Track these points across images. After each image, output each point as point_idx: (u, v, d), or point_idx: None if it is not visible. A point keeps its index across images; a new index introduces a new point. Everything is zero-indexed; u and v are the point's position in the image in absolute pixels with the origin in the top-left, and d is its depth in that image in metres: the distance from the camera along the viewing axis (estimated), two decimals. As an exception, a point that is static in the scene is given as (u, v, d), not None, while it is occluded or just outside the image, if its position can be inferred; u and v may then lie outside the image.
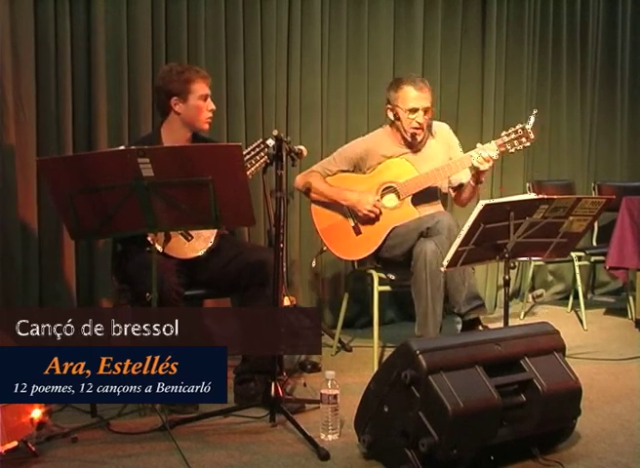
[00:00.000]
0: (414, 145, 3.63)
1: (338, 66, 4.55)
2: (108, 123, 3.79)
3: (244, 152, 2.99)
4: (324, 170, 3.68)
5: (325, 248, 3.70)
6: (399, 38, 4.75)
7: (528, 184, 4.91)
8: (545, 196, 2.89)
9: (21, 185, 3.62)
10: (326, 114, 4.52)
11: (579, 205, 2.90)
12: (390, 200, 3.57)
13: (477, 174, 3.42)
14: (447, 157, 3.62)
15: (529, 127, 3.35)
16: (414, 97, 3.51)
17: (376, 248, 3.56)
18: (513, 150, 3.40)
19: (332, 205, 3.63)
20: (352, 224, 3.60)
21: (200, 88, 3.15)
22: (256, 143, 3.06)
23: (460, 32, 4.96)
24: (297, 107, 4.42)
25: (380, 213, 3.54)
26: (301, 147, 2.92)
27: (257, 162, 3.04)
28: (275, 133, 2.79)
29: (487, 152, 3.33)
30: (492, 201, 2.84)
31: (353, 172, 3.67)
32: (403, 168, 3.58)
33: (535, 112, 3.35)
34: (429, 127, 3.67)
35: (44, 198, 3.65)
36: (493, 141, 3.41)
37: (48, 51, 3.66)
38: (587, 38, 5.49)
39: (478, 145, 3.41)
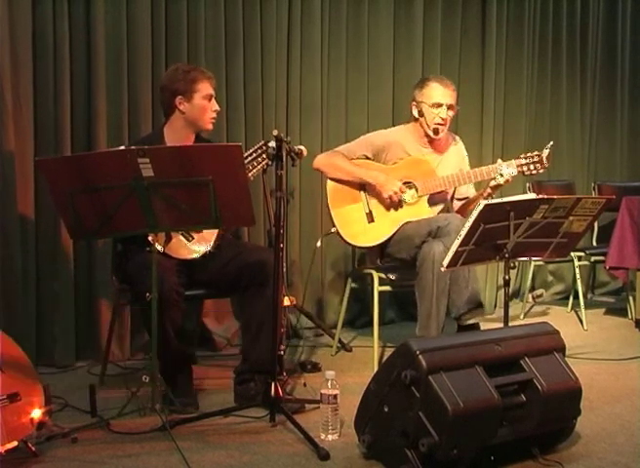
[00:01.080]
0: (435, 144, 3.68)
1: (337, 66, 4.55)
2: (108, 123, 3.79)
3: (246, 154, 3.00)
4: (349, 151, 3.69)
5: (334, 229, 3.68)
6: (399, 38, 4.75)
7: (528, 184, 4.91)
8: (545, 196, 2.89)
9: (20, 185, 3.62)
10: (326, 114, 4.53)
11: (579, 205, 2.90)
12: (408, 195, 3.59)
13: (494, 188, 3.51)
14: (459, 167, 3.67)
15: (545, 155, 3.46)
16: (439, 92, 3.60)
17: (384, 238, 3.57)
18: (528, 173, 3.51)
19: (350, 186, 3.63)
20: (367, 211, 3.61)
21: (205, 88, 3.17)
22: (257, 145, 3.07)
23: (459, 32, 4.96)
24: (297, 107, 4.42)
25: (401, 201, 3.56)
26: (301, 147, 2.92)
27: (258, 164, 3.05)
28: (275, 133, 2.78)
29: (509, 171, 3.44)
30: (492, 201, 2.84)
31: (373, 160, 3.69)
32: (425, 166, 3.62)
33: (550, 144, 3.49)
34: (453, 137, 3.77)
35: (42, 197, 3.64)
36: (513, 161, 3.49)
37: (46, 50, 3.66)
38: (587, 38, 5.50)
39: (499, 161, 3.50)
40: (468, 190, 3.75)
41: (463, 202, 3.76)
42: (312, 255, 4.09)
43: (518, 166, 3.47)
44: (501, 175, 3.43)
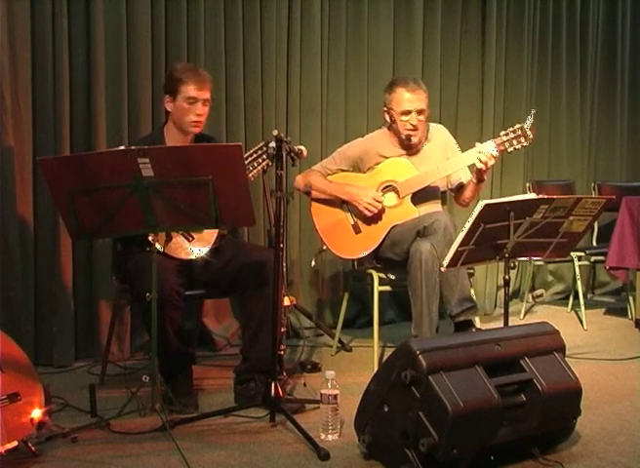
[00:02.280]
0: (410, 147, 3.63)
1: (337, 66, 4.55)
2: (107, 122, 3.79)
3: (246, 155, 3.00)
4: (324, 169, 3.70)
5: (325, 247, 3.70)
6: (399, 38, 4.75)
7: (528, 184, 4.91)
8: (545, 196, 2.89)
9: (19, 184, 3.62)
10: (326, 114, 4.53)
11: (579, 205, 2.90)
12: (390, 199, 3.58)
13: (479, 172, 3.43)
14: (444, 158, 3.61)
15: (527, 126, 3.33)
16: (407, 99, 3.52)
17: (375, 246, 3.57)
18: (512, 149, 3.38)
19: (332, 203, 3.64)
20: (352, 223, 3.60)
21: (187, 90, 3.11)
22: (258, 146, 3.07)
23: (459, 32, 4.97)
24: (297, 107, 4.42)
25: (381, 209, 3.54)
26: (301, 147, 2.92)
27: (259, 165, 3.05)
28: (275, 133, 2.78)
29: (488, 150, 3.32)
30: (492, 201, 2.84)
31: (352, 172, 3.68)
32: (403, 167, 3.58)
33: (533, 112, 3.35)
34: (425, 129, 3.67)
35: (41, 197, 3.65)
36: (491, 140, 3.40)
37: (45, 50, 3.65)
38: (587, 38, 5.50)
39: (477, 144, 3.41)
40: (464, 177, 3.66)
41: (459, 190, 3.69)
42: (314, 257, 4.08)
43: (499, 144, 3.33)
44: (480, 160, 3.32)
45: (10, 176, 3.60)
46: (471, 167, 3.55)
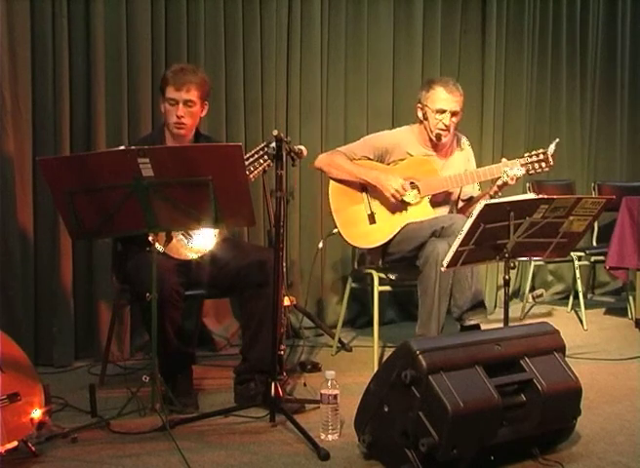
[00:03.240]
0: (439, 148, 3.65)
1: (337, 66, 4.55)
2: (107, 122, 3.79)
3: (247, 156, 3.00)
4: (350, 152, 3.67)
5: (335, 230, 3.66)
6: (399, 38, 4.75)
7: (528, 184, 4.91)
8: (545, 196, 2.89)
9: (19, 185, 3.62)
10: (325, 114, 4.53)
11: (579, 205, 2.90)
12: (410, 195, 3.57)
13: (500, 187, 3.47)
14: (464, 170, 3.64)
15: (550, 153, 3.41)
16: (443, 98, 3.54)
17: (386, 240, 3.55)
18: (533, 172, 3.46)
19: (351, 188, 3.61)
20: (368, 212, 3.59)
21: (169, 91, 3.11)
22: (259, 147, 3.07)
23: (459, 32, 4.97)
24: (297, 107, 4.42)
25: (404, 201, 3.53)
26: (301, 147, 2.92)
27: (260, 165, 3.05)
28: (275, 133, 2.78)
29: (515, 171, 3.37)
30: (492, 201, 2.84)
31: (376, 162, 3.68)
32: (428, 167, 3.59)
33: (556, 141, 3.43)
34: (458, 139, 3.72)
35: (41, 197, 3.65)
36: (517, 160, 3.45)
37: (45, 50, 3.65)
38: (587, 38, 5.50)
39: (504, 160, 3.47)
40: (473, 190, 3.72)
41: (467, 202, 3.73)
42: (314, 256, 4.08)
43: (523, 165, 3.42)
44: (507, 175, 3.38)
45: (10, 177, 3.60)
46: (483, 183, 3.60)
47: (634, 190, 4.89)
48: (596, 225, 5.00)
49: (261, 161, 3.05)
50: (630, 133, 5.71)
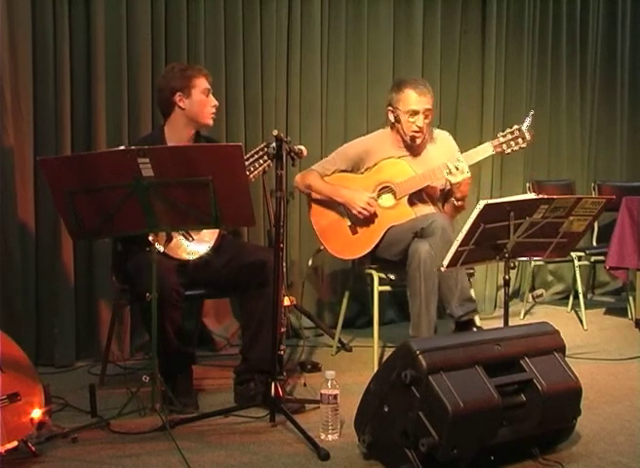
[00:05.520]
0: (413, 148, 3.62)
1: (337, 66, 4.55)
2: (107, 122, 3.79)
3: (247, 156, 3.00)
4: (323, 168, 3.69)
5: (322, 247, 3.70)
6: (399, 38, 4.75)
7: (528, 184, 4.91)
8: (545, 196, 2.89)
9: (19, 184, 3.62)
10: (325, 114, 4.53)
11: (579, 205, 2.90)
12: (387, 200, 3.58)
13: (451, 186, 3.44)
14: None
15: (525, 127, 3.35)
16: (414, 99, 3.51)
17: (371, 248, 3.56)
18: (509, 151, 3.41)
19: (329, 204, 3.64)
20: (349, 224, 3.61)
21: (201, 82, 3.19)
22: (259, 147, 3.08)
23: (459, 32, 4.96)
24: (297, 107, 4.42)
25: (375, 212, 3.54)
26: (301, 147, 2.92)
27: (260, 166, 3.06)
28: (275, 133, 2.78)
29: (459, 163, 3.34)
30: (492, 201, 2.84)
31: (352, 171, 3.68)
32: (399, 168, 3.58)
33: (531, 113, 3.37)
34: (430, 132, 3.67)
35: (42, 197, 3.64)
36: (489, 142, 3.42)
37: (46, 50, 3.65)
38: (587, 38, 5.50)
39: (478, 148, 3.43)
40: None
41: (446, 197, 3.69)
42: (320, 260, 4.09)
43: (496, 146, 3.38)
44: (447, 168, 3.34)
45: (10, 177, 3.60)
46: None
47: (634, 190, 4.89)
48: (596, 225, 5.00)
49: (261, 161, 3.07)
50: (630, 133, 5.71)
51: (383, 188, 3.58)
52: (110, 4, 3.79)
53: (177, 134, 3.21)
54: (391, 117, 3.61)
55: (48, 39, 3.66)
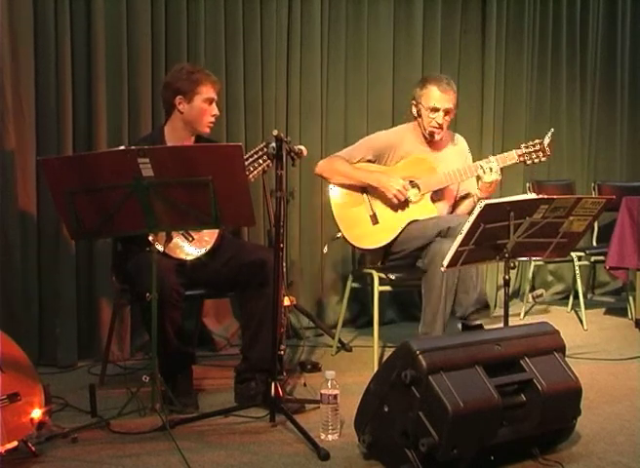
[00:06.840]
0: (434, 144, 3.67)
1: (337, 66, 4.55)
2: (108, 122, 3.78)
3: (246, 156, 3.00)
4: (349, 156, 3.69)
5: (339, 234, 3.68)
6: (399, 38, 4.76)
7: (528, 184, 4.91)
8: (545, 196, 2.89)
9: (21, 184, 3.62)
10: (325, 114, 4.53)
11: (579, 205, 2.90)
12: (411, 194, 3.59)
13: (481, 186, 3.52)
14: (460, 166, 3.64)
15: (546, 143, 3.47)
16: (437, 96, 3.56)
17: (391, 239, 3.56)
18: (530, 162, 3.52)
19: (352, 191, 3.63)
20: (370, 213, 3.60)
21: (207, 91, 3.15)
22: (258, 147, 3.08)
23: (459, 32, 4.97)
24: (297, 107, 4.42)
25: (405, 201, 3.55)
26: (301, 147, 2.92)
27: (259, 165, 3.06)
28: (275, 133, 2.78)
29: (492, 164, 3.44)
30: (492, 201, 2.84)
31: (374, 163, 3.69)
32: (425, 165, 3.62)
33: (552, 131, 3.48)
34: (452, 135, 3.76)
35: (43, 196, 3.64)
36: (514, 151, 3.51)
37: (47, 49, 3.65)
38: (587, 38, 5.51)
39: (496, 156, 3.51)
40: (469, 187, 3.71)
41: (462, 199, 3.74)
42: (320, 260, 4.09)
43: (520, 155, 3.49)
44: (481, 168, 3.45)
45: (11, 177, 3.60)
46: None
47: (634, 190, 4.89)
48: (596, 225, 5.00)
49: (261, 161, 3.06)
50: (630, 133, 5.71)
51: (409, 182, 3.59)
52: (111, 3, 3.78)
53: (176, 135, 3.21)
54: (414, 111, 3.66)
55: (49, 38, 3.65)
